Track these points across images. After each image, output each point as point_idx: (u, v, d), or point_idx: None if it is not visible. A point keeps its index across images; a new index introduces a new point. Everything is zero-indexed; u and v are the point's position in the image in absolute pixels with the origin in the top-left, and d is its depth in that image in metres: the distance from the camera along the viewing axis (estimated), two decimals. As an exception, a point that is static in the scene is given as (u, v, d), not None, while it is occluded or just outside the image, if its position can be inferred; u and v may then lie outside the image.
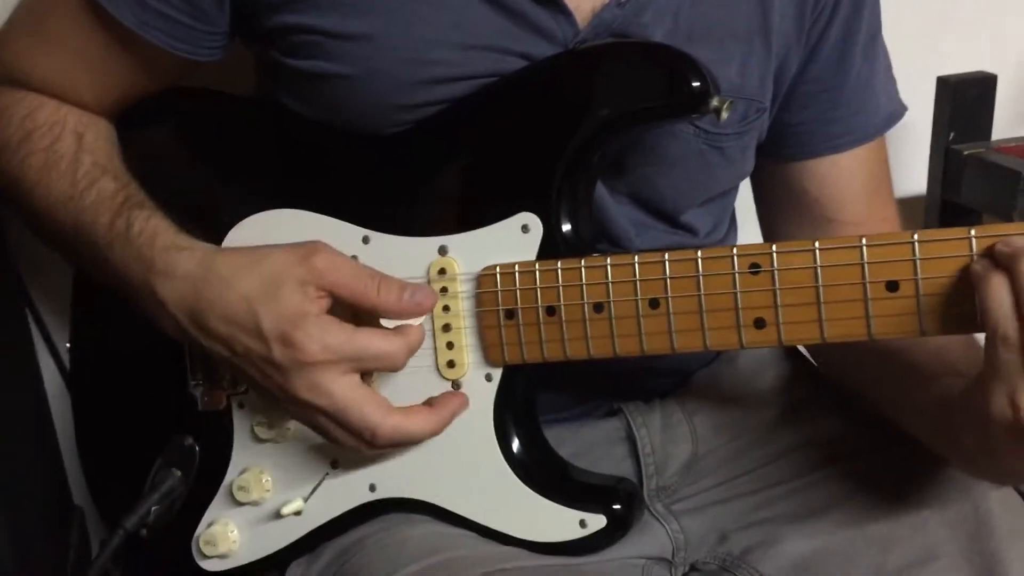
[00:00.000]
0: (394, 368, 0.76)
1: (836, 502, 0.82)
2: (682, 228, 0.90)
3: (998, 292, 0.61)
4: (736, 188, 0.96)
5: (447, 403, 0.78)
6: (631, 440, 0.89)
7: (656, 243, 0.88)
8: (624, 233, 0.86)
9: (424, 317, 0.77)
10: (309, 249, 0.76)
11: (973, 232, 0.63)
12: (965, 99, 1.21)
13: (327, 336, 0.73)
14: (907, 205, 1.31)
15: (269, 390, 0.76)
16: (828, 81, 0.89)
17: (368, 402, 0.74)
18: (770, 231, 0.99)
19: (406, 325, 0.76)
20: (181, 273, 0.77)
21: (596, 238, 0.81)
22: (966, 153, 1.20)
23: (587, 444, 0.89)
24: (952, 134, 1.22)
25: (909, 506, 0.80)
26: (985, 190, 1.18)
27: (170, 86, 0.90)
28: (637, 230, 0.87)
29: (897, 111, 0.95)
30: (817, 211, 0.93)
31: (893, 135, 0.99)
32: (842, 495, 0.82)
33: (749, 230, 1.05)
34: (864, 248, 0.66)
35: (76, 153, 0.85)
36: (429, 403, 0.79)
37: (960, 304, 0.64)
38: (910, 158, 1.30)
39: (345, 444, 0.77)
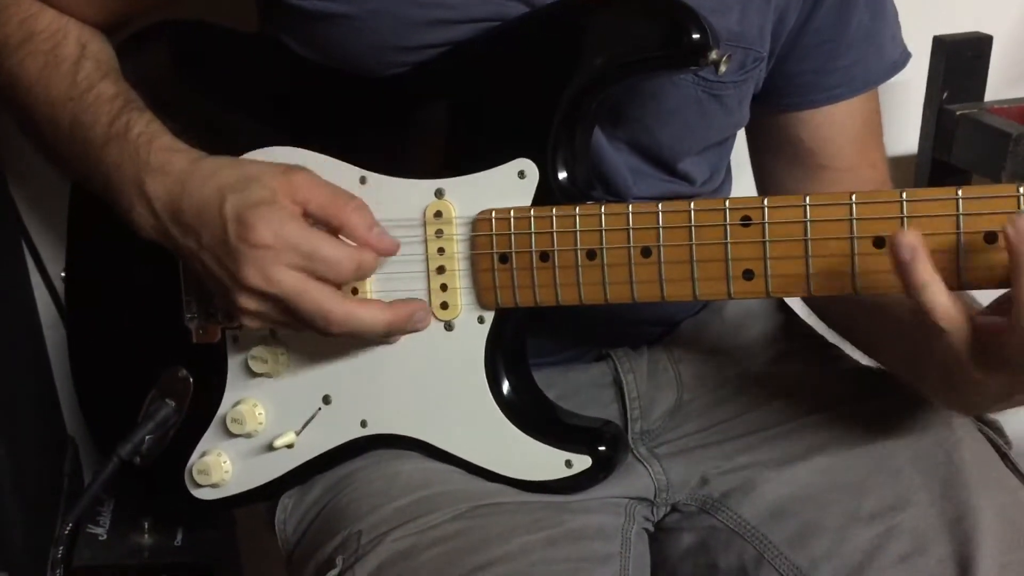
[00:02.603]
0: (338, 279, 0.75)
1: (813, 450, 0.84)
2: (679, 176, 0.91)
3: None
4: (733, 137, 0.97)
5: (405, 303, 0.79)
6: (618, 385, 0.91)
7: (653, 191, 0.89)
8: (622, 180, 0.87)
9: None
10: (292, 166, 0.77)
11: (960, 192, 0.65)
12: (960, 59, 1.22)
13: (283, 226, 0.73)
14: (899, 163, 1.32)
15: (224, 283, 0.76)
16: (829, 32, 0.90)
17: (320, 289, 0.74)
18: (763, 178, 1.00)
19: (364, 248, 0.76)
20: (173, 170, 0.78)
21: (592, 185, 0.82)
22: (958, 113, 1.21)
23: (575, 387, 0.91)
24: (946, 94, 1.23)
25: (884, 455, 0.82)
26: (976, 150, 1.19)
27: (168, 7, 0.90)
28: (635, 177, 0.88)
29: (899, 61, 0.95)
30: (810, 159, 0.95)
31: (887, 93, 0.99)
32: (819, 443, 0.84)
33: (744, 181, 1.06)
34: (854, 205, 0.67)
35: (79, 58, 0.85)
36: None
37: (944, 262, 0.65)
38: (903, 116, 1.30)
39: (299, 330, 0.78)
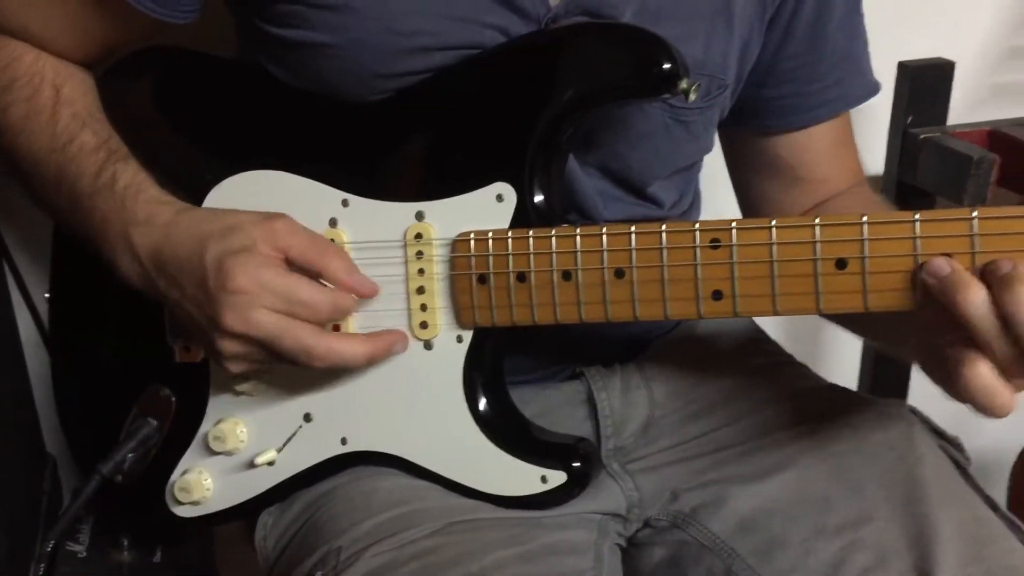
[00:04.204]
0: (316, 319, 0.76)
1: (780, 466, 0.86)
2: (648, 200, 0.94)
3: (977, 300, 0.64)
4: (700, 162, 1.01)
5: (383, 335, 0.81)
6: (591, 402, 0.93)
7: (623, 214, 0.92)
8: (592, 204, 0.89)
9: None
10: (274, 214, 0.79)
11: (917, 216, 0.68)
12: (923, 84, 1.26)
13: (261, 272, 0.75)
14: (864, 184, 1.36)
15: (206, 331, 0.78)
16: (803, 58, 0.93)
17: (300, 327, 0.76)
18: (742, 191, 1.05)
19: (341, 291, 0.78)
20: (158, 223, 0.80)
21: (567, 209, 0.84)
22: (922, 137, 1.24)
23: (550, 405, 0.92)
24: (910, 118, 1.26)
25: (848, 472, 0.84)
26: (939, 173, 1.22)
27: (146, 39, 0.92)
28: (605, 201, 0.90)
29: (872, 87, 0.99)
30: (789, 172, 0.99)
31: (855, 117, 1.03)
32: (786, 459, 0.86)
33: (724, 197, 1.10)
34: (817, 227, 0.70)
35: (55, 106, 0.86)
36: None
37: (901, 283, 0.68)
38: (870, 139, 1.33)
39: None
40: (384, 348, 0.80)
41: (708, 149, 0.97)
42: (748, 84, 0.94)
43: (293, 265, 0.77)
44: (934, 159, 1.23)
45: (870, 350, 1.41)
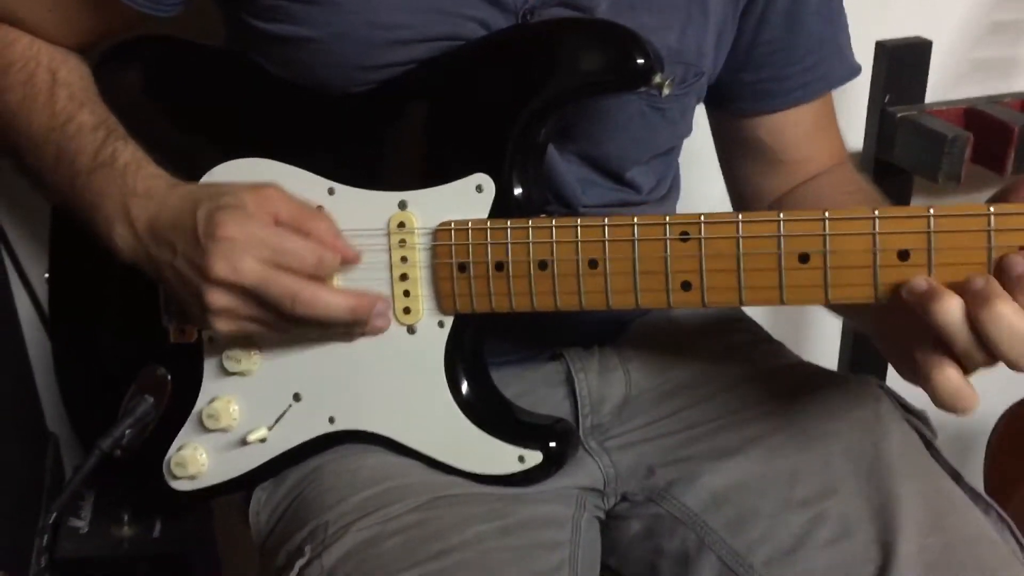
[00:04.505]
0: (301, 268, 0.78)
1: (751, 442, 0.89)
2: (626, 185, 0.96)
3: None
4: (678, 148, 1.03)
5: (367, 294, 0.83)
6: (570, 383, 0.96)
7: (601, 199, 0.94)
8: (571, 189, 0.92)
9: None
10: (264, 183, 0.82)
11: (876, 212, 0.70)
12: (901, 63, 1.27)
13: (249, 223, 0.77)
14: (843, 161, 1.39)
15: (195, 285, 0.79)
16: (781, 42, 0.95)
17: (286, 274, 0.78)
18: (729, 175, 1.07)
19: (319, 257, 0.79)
20: (156, 194, 0.83)
21: (545, 199, 0.87)
22: (899, 115, 1.27)
23: (530, 386, 0.95)
24: (888, 96, 1.28)
25: (817, 446, 0.88)
26: (915, 151, 1.25)
27: (135, 29, 0.94)
28: (584, 187, 0.93)
29: (851, 70, 1.01)
30: (770, 155, 1.01)
31: (834, 94, 1.05)
32: (757, 435, 0.89)
33: (702, 181, 1.12)
34: (781, 222, 0.73)
35: (52, 88, 0.89)
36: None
37: (861, 278, 0.71)
38: (848, 117, 1.35)
39: (267, 327, 0.81)
40: (367, 305, 0.82)
41: (686, 134, 1.00)
42: (727, 69, 0.96)
43: (283, 225, 0.80)
44: (910, 137, 1.25)
45: (851, 329, 1.44)
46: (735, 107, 1.00)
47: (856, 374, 0.97)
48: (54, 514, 0.97)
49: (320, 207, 0.86)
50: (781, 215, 0.73)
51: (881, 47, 1.28)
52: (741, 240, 0.74)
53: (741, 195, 1.07)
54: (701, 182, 1.14)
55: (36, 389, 1.26)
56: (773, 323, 1.10)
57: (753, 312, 1.11)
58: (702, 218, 0.75)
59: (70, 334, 1.03)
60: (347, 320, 0.81)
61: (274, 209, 0.79)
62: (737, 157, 1.05)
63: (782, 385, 0.94)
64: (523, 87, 0.81)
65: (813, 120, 1.01)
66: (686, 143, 1.04)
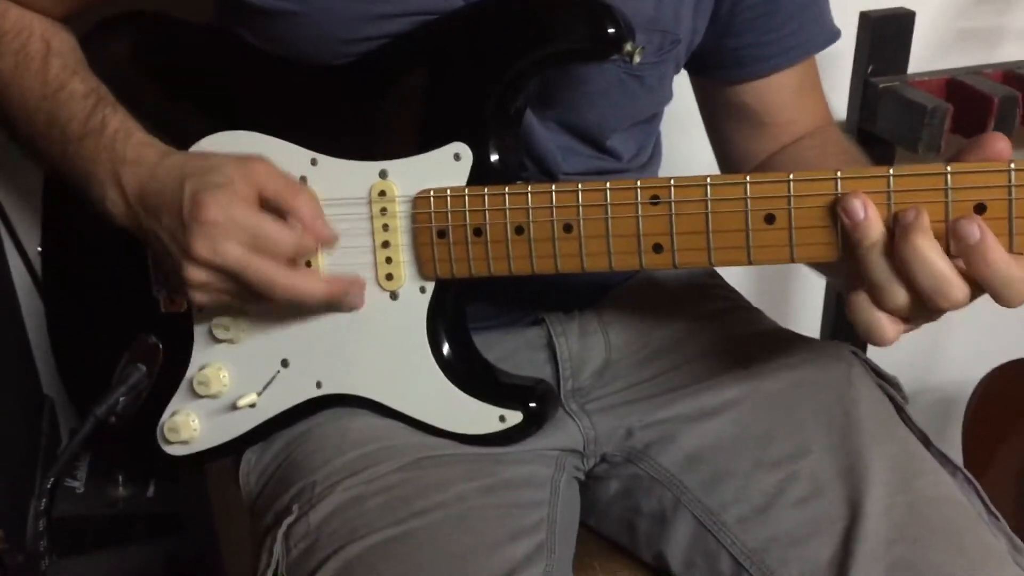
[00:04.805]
0: (279, 254, 0.81)
1: (727, 404, 0.91)
2: (607, 153, 0.98)
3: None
4: (659, 115, 1.05)
5: (342, 279, 0.86)
6: (551, 347, 0.98)
7: (582, 167, 0.96)
8: (551, 157, 0.93)
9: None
10: (252, 156, 0.84)
11: (839, 174, 0.72)
12: (884, 34, 1.28)
13: (231, 207, 0.79)
14: (828, 130, 1.40)
15: (177, 258, 0.82)
16: (761, 8, 0.96)
17: (264, 261, 0.80)
18: (716, 138, 1.09)
19: (306, 232, 0.82)
20: (146, 162, 0.85)
21: (523, 166, 0.89)
22: (881, 86, 1.28)
23: (512, 349, 0.98)
24: (871, 67, 1.30)
25: (790, 409, 0.90)
26: (896, 122, 1.26)
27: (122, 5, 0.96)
28: (564, 155, 0.94)
29: (831, 34, 1.03)
30: (755, 118, 1.03)
31: (819, 64, 1.07)
32: (733, 398, 0.92)
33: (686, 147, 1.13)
34: (748, 185, 0.75)
35: (45, 56, 0.91)
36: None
37: (825, 236, 0.73)
38: (833, 87, 1.36)
39: (245, 301, 0.85)
40: (340, 290, 0.85)
41: (666, 101, 1.01)
42: (709, 36, 0.98)
43: (267, 203, 0.82)
44: (892, 108, 1.26)
45: (832, 296, 1.46)
46: (718, 73, 1.02)
47: (832, 341, 0.99)
48: (51, 479, 0.99)
49: (304, 178, 0.88)
50: (748, 178, 0.75)
51: (865, 18, 1.29)
52: (710, 202, 0.76)
53: (728, 158, 1.09)
54: (689, 146, 1.16)
55: (32, 353, 1.29)
56: (757, 291, 1.12)
57: (737, 280, 1.14)
58: (672, 182, 0.77)
59: (64, 306, 1.05)
60: (322, 304, 0.85)
61: (259, 184, 0.82)
62: (722, 122, 1.06)
63: (758, 350, 0.96)
64: (496, 57, 0.83)
65: (797, 84, 1.02)
66: (672, 108, 1.05)
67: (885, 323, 0.70)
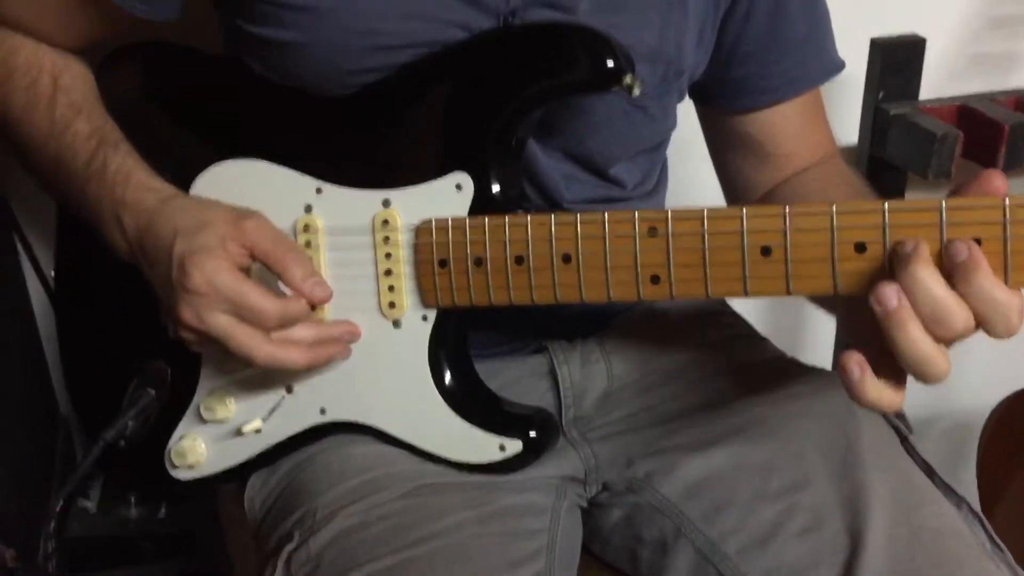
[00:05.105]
0: (263, 326, 0.82)
1: (728, 434, 0.91)
2: (610, 181, 0.98)
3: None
4: (665, 143, 1.05)
5: (326, 346, 0.86)
6: (553, 375, 0.98)
7: (586, 195, 0.97)
8: (555, 186, 0.94)
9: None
10: (245, 212, 0.84)
11: (834, 207, 0.72)
12: (895, 60, 1.29)
13: (216, 275, 0.80)
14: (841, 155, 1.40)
15: (169, 311, 0.84)
16: (764, 40, 0.97)
17: (246, 332, 0.82)
18: (721, 170, 1.09)
19: (293, 298, 0.83)
20: (144, 208, 0.86)
21: (524, 195, 0.90)
22: (892, 113, 1.28)
23: (515, 377, 0.98)
24: (882, 93, 1.30)
25: (791, 440, 0.90)
26: (906, 148, 1.26)
27: (137, 31, 0.97)
28: (568, 183, 0.95)
29: (835, 66, 1.03)
30: (758, 149, 1.03)
31: (830, 90, 1.07)
32: (734, 428, 0.91)
33: (693, 175, 1.14)
34: (744, 218, 0.75)
35: (53, 94, 0.92)
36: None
37: (820, 270, 0.73)
38: (845, 112, 1.38)
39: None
40: (323, 358, 0.86)
41: (670, 130, 1.02)
42: (712, 67, 0.98)
43: (257, 262, 0.83)
44: (903, 134, 1.26)
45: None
46: (721, 103, 1.02)
47: (836, 371, 0.99)
48: (61, 501, 1.01)
49: (309, 206, 0.89)
50: (744, 210, 0.75)
51: (875, 44, 1.29)
52: (706, 235, 0.76)
53: (732, 188, 1.09)
54: (696, 173, 1.16)
55: (48, 375, 1.30)
56: (771, 320, 1.12)
57: (748, 308, 1.13)
58: (669, 214, 0.78)
59: (75, 327, 1.07)
60: (304, 370, 0.87)
61: (250, 244, 0.82)
62: (726, 152, 1.07)
63: (760, 379, 0.96)
64: (497, 89, 0.84)
65: (800, 115, 1.03)
66: (680, 135, 1.06)
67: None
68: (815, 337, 1.54)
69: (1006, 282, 0.68)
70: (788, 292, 0.75)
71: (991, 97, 1.30)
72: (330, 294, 0.85)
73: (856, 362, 0.69)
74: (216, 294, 0.80)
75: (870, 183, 1.06)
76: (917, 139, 1.24)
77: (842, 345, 1.43)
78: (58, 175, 0.91)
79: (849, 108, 1.36)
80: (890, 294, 0.67)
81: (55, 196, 0.96)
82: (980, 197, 0.69)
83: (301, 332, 0.84)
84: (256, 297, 0.81)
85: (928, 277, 0.67)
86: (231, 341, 0.82)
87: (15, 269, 1.28)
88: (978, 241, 0.69)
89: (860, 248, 0.72)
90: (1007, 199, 0.68)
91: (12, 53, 0.94)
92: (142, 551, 1.17)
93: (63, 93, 0.92)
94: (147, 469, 1.01)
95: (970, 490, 0.89)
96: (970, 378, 1.66)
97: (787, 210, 0.74)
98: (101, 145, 0.90)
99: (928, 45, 1.31)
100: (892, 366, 0.69)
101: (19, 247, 1.29)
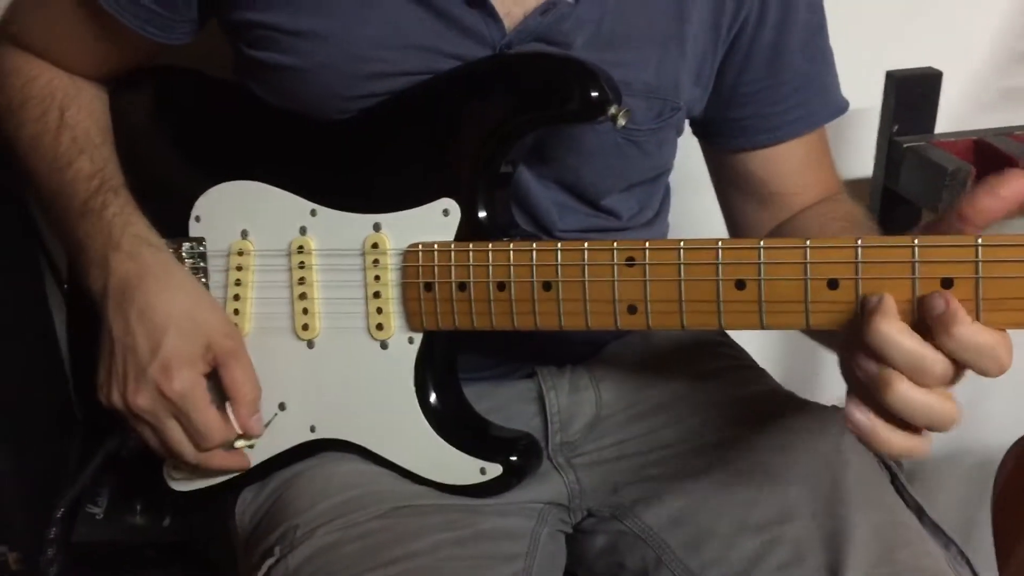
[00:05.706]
0: (201, 443, 0.90)
1: (714, 465, 0.91)
2: (604, 211, 0.99)
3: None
4: (664, 175, 1.05)
5: (238, 457, 0.94)
6: (541, 400, 0.99)
7: (579, 224, 0.97)
8: (547, 214, 0.95)
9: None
10: (236, 333, 0.92)
11: (808, 242, 0.72)
12: (910, 94, 1.27)
13: (192, 390, 0.88)
14: (854, 188, 1.38)
15: (118, 379, 0.89)
16: (765, 81, 0.97)
17: (182, 440, 0.90)
18: (725, 208, 1.09)
19: (231, 429, 0.91)
20: (140, 261, 0.90)
21: (513, 223, 0.90)
22: (905, 146, 1.27)
23: (503, 401, 0.99)
24: (896, 126, 1.29)
25: (777, 473, 0.89)
26: (918, 182, 1.25)
27: (153, 60, 1.01)
28: (560, 212, 0.96)
29: (838, 108, 1.03)
30: (761, 187, 1.03)
31: (847, 122, 1.07)
32: (720, 459, 0.91)
33: (699, 205, 1.14)
34: (720, 251, 0.75)
35: (58, 129, 0.96)
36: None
37: (794, 306, 0.73)
38: (860, 145, 1.37)
39: None
40: (245, 464, 0.95)
41: (665, 165, 1.02)
42: (713, 106, 0.99)
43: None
44: (915, 168, 1.25)
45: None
46: (722, 142, 1.02)
47: (831, 406, 0.98)
48: (61, 509, 1.03)
49: (304, 228, 0.91)
50: (720, 243, 0.75)
51: (891, 77, 1.28)
52: (683, 267, 0.77)
53: (736, 224, 1.09)
54: (702, 204, 1.16)
55: (66, 377, 1.33)
56: (783, 352, 1.11)
57: (762, 341, 1.12)
58: (647, 244, 0.78)
59: (85, 340, 1.09)
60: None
61: (223, 362, 0.90)
62: (730, 188, 1.07)
63: (751, 411, 0.96)
64: (484, 117, 0.85)
65: (803, 154, 1.02)
66: (686, 167, 1.06)
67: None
68: (823, 371, 1.52)
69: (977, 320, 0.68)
70: (762, 326, 0.75)
71: (1009, 132, 1.28)
72: (261, 433, 0.93)
73: (860, 412, 0.68)
74: (181, 404, 0.87)
75: (884, 217, 1.06)
76: (929, 173, 1.22)
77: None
78: (55, 206, 0.95)
79: (866, 141, 1.34)
80: (868, 364, 0.67)
81: (48, 222, 1.00)
82: (954, 236, 0.69)
83: (220, 457, 0.93)
84: (214, 422, 0.89)
85: (895, 332, 0.66)
86: (168, 440, 0.90)
87: (38, 277, 1.32)
88: (949, 281, 0.68)
89: (832, 284, 0.72)
90: (979, 238, 0.68)
91: (30, 81, 0.98)
92: (147, 558, 1.19)
93: (67, 128, 0.95)
94: (148, 479, 1.03)
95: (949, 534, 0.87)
96: (995, 411, 1.63)
97: (761, 244, 0.74)
98: (102, 186, 0.93)
99: (948, 79, 1.30)
100: None
101: (39, 252, 1.32)
